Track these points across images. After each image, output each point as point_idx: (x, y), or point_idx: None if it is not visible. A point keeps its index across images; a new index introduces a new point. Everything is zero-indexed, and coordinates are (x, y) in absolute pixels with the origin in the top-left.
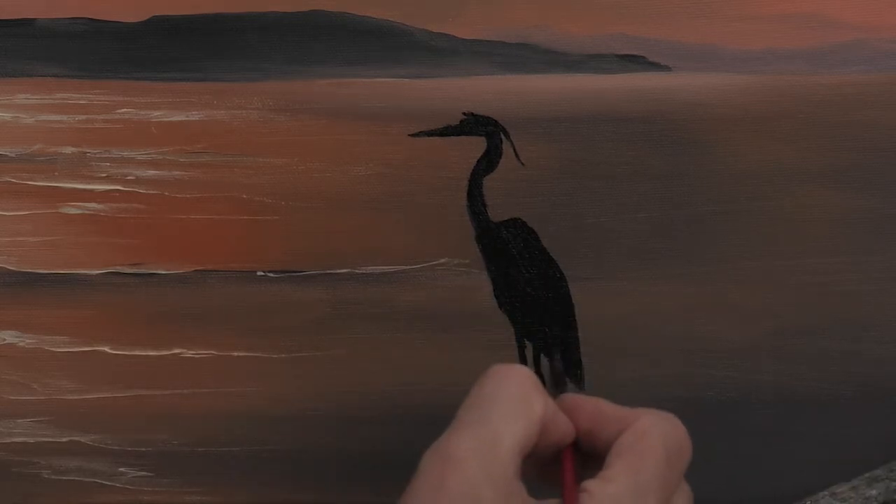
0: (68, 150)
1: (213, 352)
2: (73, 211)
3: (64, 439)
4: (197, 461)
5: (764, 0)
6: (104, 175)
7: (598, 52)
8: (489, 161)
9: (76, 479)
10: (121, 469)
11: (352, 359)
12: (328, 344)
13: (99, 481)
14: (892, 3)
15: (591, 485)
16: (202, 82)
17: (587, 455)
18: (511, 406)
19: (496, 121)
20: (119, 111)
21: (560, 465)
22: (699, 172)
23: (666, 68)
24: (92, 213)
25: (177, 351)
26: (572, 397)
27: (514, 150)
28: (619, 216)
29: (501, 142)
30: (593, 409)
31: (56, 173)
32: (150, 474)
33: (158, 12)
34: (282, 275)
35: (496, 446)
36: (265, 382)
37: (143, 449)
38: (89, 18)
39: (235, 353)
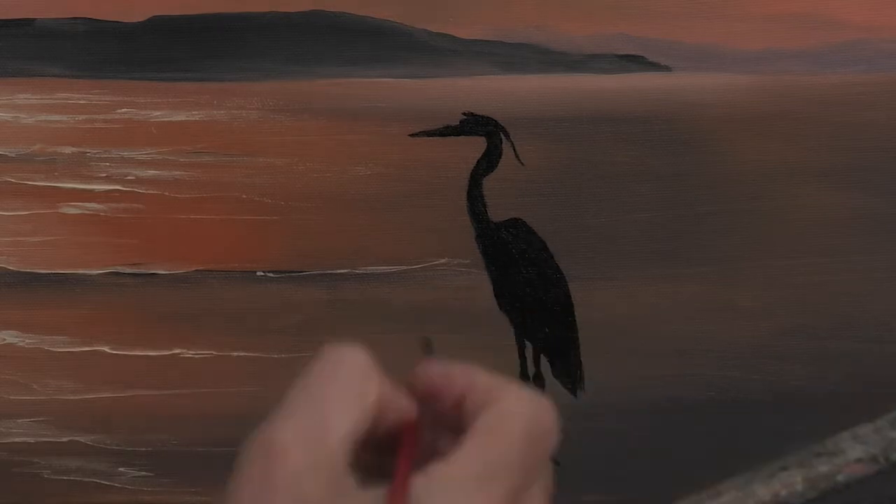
0: (68, 150)
1: (212, 352)
2: (73, 211)
3: (64, 439)
4: (197, 461)
5: (764, 0)
6: (104, 175)
7: (598, 52)
8: (489, 161)
9: (76, 479)
10: (121, 469)
11: None
12: (328, 344)
13: (99, 481)
14: (893, 3)
15: (433, 466)
16: (202, 82)
17: (453, 428)
18: (342, 392)
19: (496, 121)
20: (119, 111)
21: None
22: (699, 172)
23: (666, 68)
24: (92, 213)
25: (177, 351)
26: (443, 365)
27: (514, 150)
28: (619, 216)
29: (501, 142)
30: (463, 376)
31: (56, 173)
32: (150, 474)
33: (158, 12)
34: (282, 275)
35: (324, 435)
36: (265, 382)
37: (143, 449)
38: (89, 18)
39: (235, 353)
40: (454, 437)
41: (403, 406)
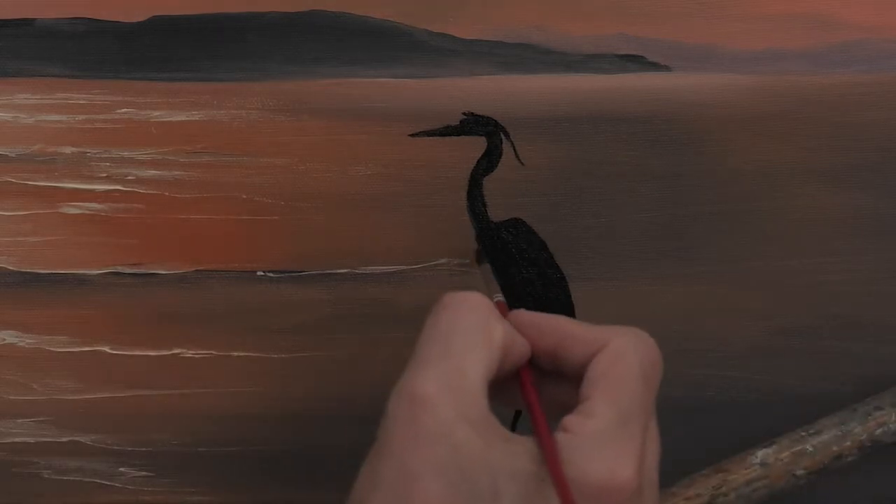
0: (68, 150)
1: (213, 352)
2: (73, 211)
3: (64, 439)
4: (197, 461)
5: (764, 0)
6: (104, 175)
7: (597, 52)
8: (489, 161)
9: (76, 479)
10: (121, 469)
11: (352, 359)
12: (328, 344)
13: (99, 481)
14: (893, 2)
15: (571, 421)
16: (202, 82)
17: (548, 373)
18: (472, 336)
19: (496, 121)
20: (119, 111)
21: (517, 382)
22: (699, 172)
23: (666, 68)
24: (92, 213)
25: (177, 351)
26: (532, 316)
27: (514, 149)
28: (620, 216)
29: (501, 142)
30: (556, 328)
31: (56, 173)
32: (150, 474)
33: (158, 12)
34: (282, 275)
35: (464, 381)
36: (265, 382)
37: (143, 449)
38: (89, 18)
39: (235, 353)
40: (554, 379)
41: (519, 348)
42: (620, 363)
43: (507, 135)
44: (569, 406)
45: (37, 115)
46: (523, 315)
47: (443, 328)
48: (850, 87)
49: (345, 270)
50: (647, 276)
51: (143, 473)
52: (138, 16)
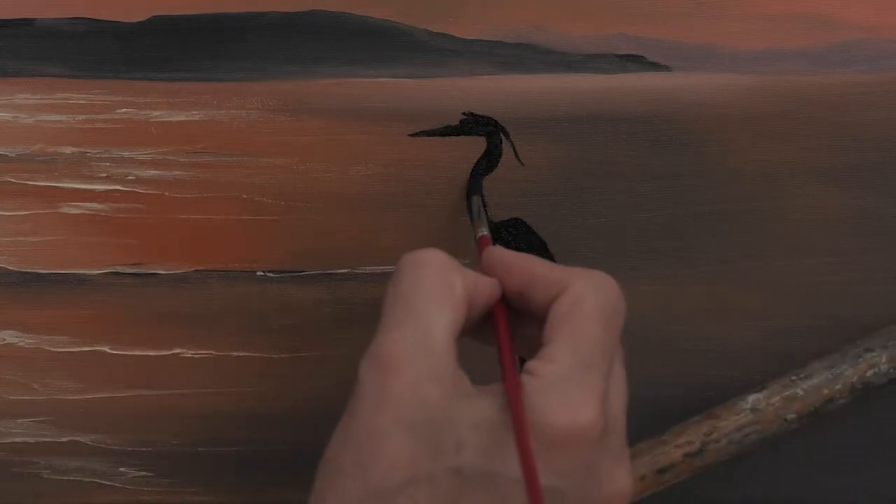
0: (68, 150)
1: (212, 352)
2: (73, 211)
3: (64, 439)
4: (197, 461)
5: (764, 0)
6: (104, 175)
7: (597, 52)
8: (489, 161)
9: (76, 479)
10: (121, 469)
11: (352, 359)
12: (328, 344)
13: (99, 481)
14: (893, 2)
15: (533, 366)
16: (202, 82)
17: (519, 312)
18: (432, 294)
19: (496, 121)
20: (119, 111)
21: (491, 320)
22: (699, 172)
23: (666, 68)
24: (92, 213)
25: (177, 351)
26: (502, 255)
27: (514, 149)
28: (620, 216)
29: (501, 142)
30: (524, 268)
31: (56, 173)
32: (150, 474)
33: (158, 12)
34: (282, 275)
35: (430, 340)
36: (265, 382)
37: (143, 449)
38: (89, 18)
39: (235, 353)
40: (525, 319)
41: (486, 290)
42: (580, 307)
43: (506, 135)
44: (539, 346)
45: (37, 115)
46: (495, 253)
47: (403, 290)
48: (850, 87)
49: (345, 270)
50: (647, 276)
51: (143, 473)
52: (138, 16)
